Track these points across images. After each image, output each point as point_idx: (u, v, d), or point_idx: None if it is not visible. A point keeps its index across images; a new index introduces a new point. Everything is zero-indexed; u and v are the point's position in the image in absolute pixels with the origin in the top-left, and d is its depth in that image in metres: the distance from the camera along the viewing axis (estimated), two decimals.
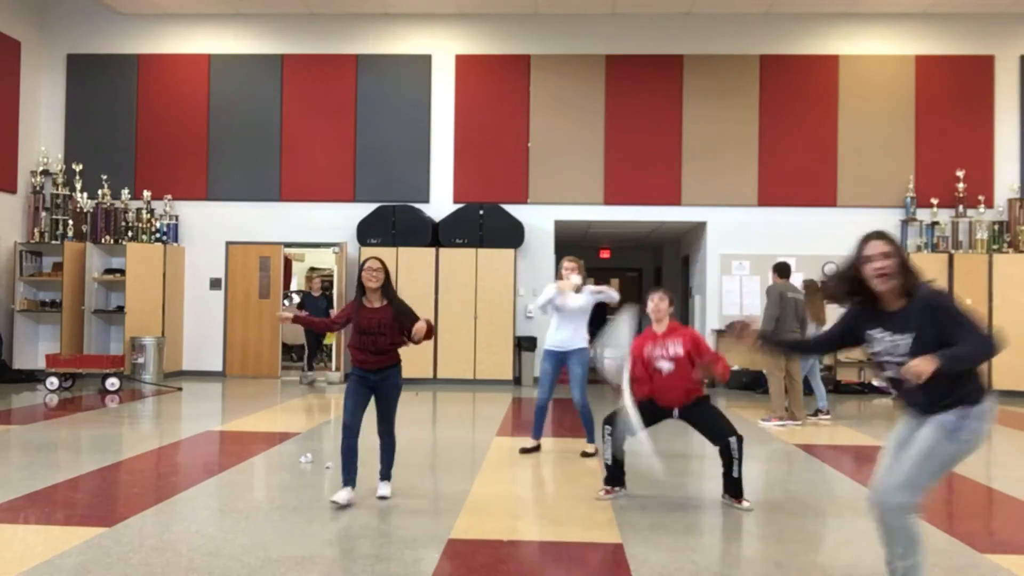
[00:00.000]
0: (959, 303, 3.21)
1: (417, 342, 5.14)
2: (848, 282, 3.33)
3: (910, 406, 3.38)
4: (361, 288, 5.22)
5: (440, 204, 13.09)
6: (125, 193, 13.16)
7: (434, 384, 12.27)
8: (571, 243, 16.34)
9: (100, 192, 13.15)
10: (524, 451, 6.93)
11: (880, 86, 12.88)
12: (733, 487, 5.22)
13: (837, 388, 12.25)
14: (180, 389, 11.38)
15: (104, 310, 12.99)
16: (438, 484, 5.96)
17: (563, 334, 6.78)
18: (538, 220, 12.98)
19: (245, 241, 13.26)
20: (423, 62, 13.23)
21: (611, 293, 6.96)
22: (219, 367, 13.20)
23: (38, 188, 13.10)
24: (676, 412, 5.37)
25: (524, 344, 12.69)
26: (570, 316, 6.79)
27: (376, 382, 5.20)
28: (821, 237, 12.79)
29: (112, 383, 10.81)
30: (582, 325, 6.86)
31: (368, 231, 12.65)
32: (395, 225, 12.59)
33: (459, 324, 12.39)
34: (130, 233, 13.04)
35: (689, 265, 14.93)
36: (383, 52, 13.26)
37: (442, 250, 12.54)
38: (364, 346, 5.16)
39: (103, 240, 13.01)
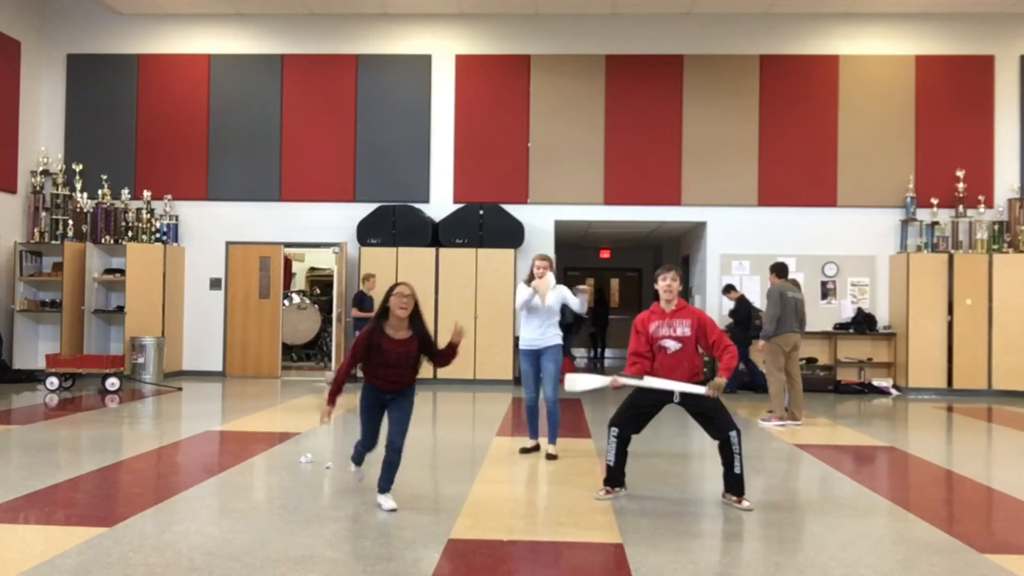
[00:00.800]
0: None
1: (442, 367, 5.18)
2: None
3: None
4: (383, 312, 4.92)
5: (440, 204, 13.09)
6: (125, 193, 13.16)
7: (434, 384, 12.26)
8: (571, 243, 16.37)
9: (100, 192, 13.15)
10: (524, 451, 6.93)
11: (880, 86, 12.88)
12: (735, 484, 5.21)
13: (837, 388, 12.26)
14: (180, 389, 11.38)
15: (104, 310, 12.99)
16: (438, 484, 5.96)
17: (536, 332, 6.75)
18: (538, 220, 12.98)
19: (245, 241, 13.26)
20: (423, 62, 13.23)
21: (582, 301, 6.94)
22: (219, 367, 13.20)
23: (38, 188, 13.10)
24: (677, 396, 5.27)
25: None
26: (541, 314, 6.74)
27: (391, 399, 5.11)
28: (821, 237, 12.80)
29: (112, 383, 10.81)
30: (554, 322, 6.83)
31: (368, 231, 12.65)
32: (395, 225, 12.59)
33: (459, 324, 12.36)
34: (130, 233, 13.03)
35: (689, 265, 14.92)
36: (383, 52, 13.26)
37: (442, 250, 12.54)
38: (387, 378, 4.99)
39: (103, 240, 13.01)
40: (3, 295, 12.64)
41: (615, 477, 5.44)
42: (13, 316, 12.61)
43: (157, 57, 13.43)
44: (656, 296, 5.53)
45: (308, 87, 13.28)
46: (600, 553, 4.27)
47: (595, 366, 17.07)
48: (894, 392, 12.11)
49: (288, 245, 13.73)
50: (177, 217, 13.24)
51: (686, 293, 15.16)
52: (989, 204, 12.63)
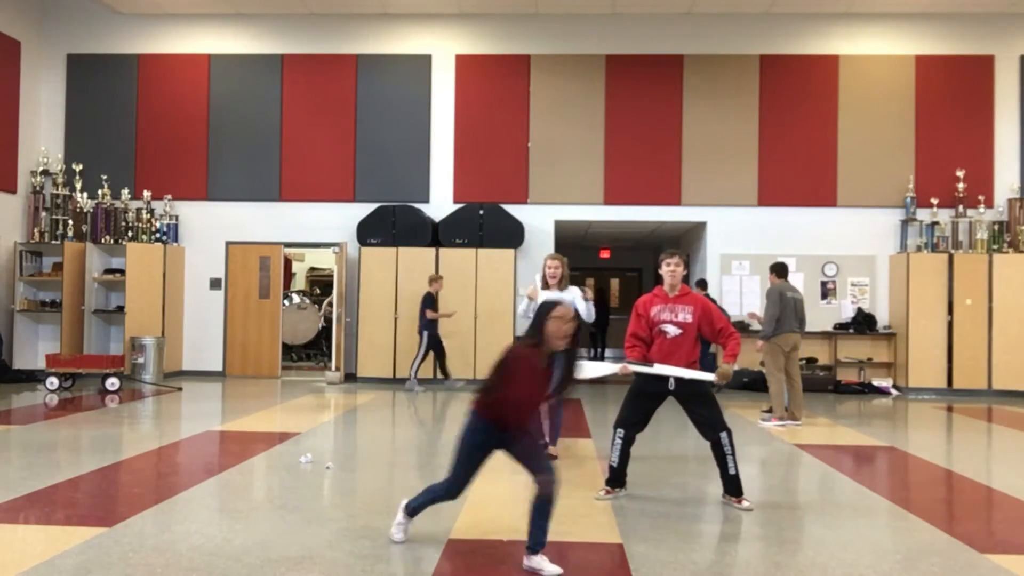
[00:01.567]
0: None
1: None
2: None
3: None
4: (537, 332, 3.99)
5: (440, 204, 13.09)
6: (125, 193, 13.16)
7: (434, 384, 12.26)
8: (571, 243, 16.36)
9: (100, 192, 13.15)
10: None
11: (880, 86, 12.87)
12: (732, 485, 5.21)
13: (837, 388, 12.26)
14: (180, 389, 11.38)
15: (104, 310, 12.99)
16: None
17: None
18: (538, 220, 12.98)
19: (245, 241, 13.26)
20: (423, 62, 13.23)
21: (589, 308, 6.59)
22: (219, 367, 13.20)
23: (38, 188, 13.10)
24: (672, 383, 5.22)
25: None
26: None
27: (511, 439, 4.05)
28: (821, 237, 12.80)
29: (112, 383, 10.80)
30: None
31: (368, 231, 12.65)
32: (395, 225, 12.59)
33: (459, 324, 12.39)
34: (130, 233, 13.03)
35: (689, 265, 14.93)
36: (383, 52, 13.26)
37: (442, 250, 12.53)
38: (524, 412, 4.10)
39: (103, 240, 13.01)
40: (3, 295, 12.64)
41: (617, 478, 5.44)
42: (13, 316, 12.61)
43: (157, 57, 13.43)
44: (659, 282, 5.52)
45: (308, 87, 13.28)
46: (600, 553, 4.27)
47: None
48: (894, 392, 12.11)
49: (288, 245, 13.73)
50: (177, 217, 13.24)
51: None
52: (989, 204, 12.63)
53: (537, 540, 3.90)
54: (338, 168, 13.20)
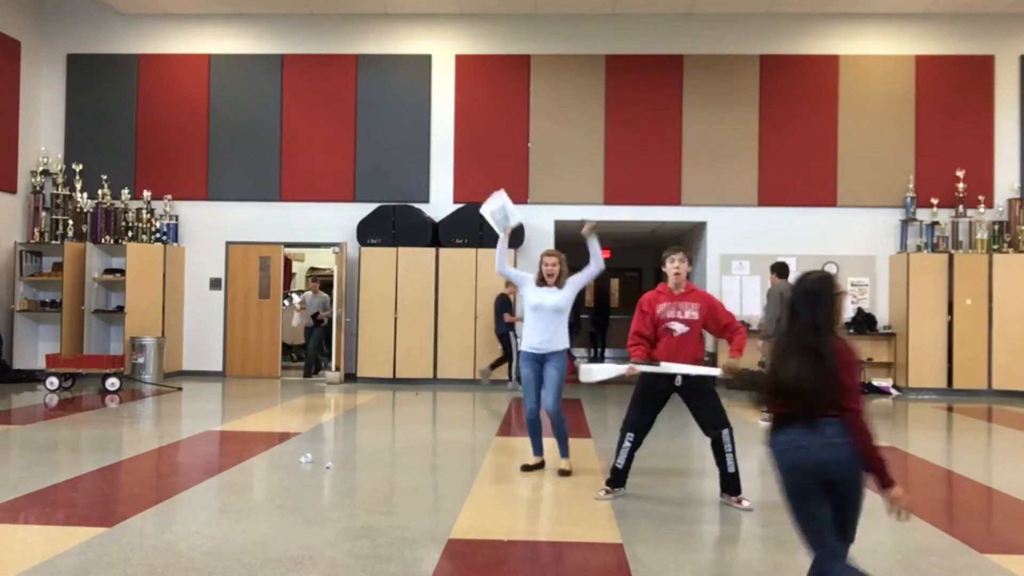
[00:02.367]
0: None
1: None
2: None
3: None
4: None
5: (440, 204, 13.09)
6: (125, 193, 13.16)
7: (434, 384, 12.27)
8: (571, 243, 16.34)
9: (100, 192, 13.15)
10: (526, 468, 6.19)
11: (880, 86, 12.87)
12: (730, 483, 5.21)
13: None
14: (180, 389, 11.38)
15: (104, 310, 12.99)
16: (438, 484, 5.95)
17: (543, 335, 5.98)
18: (538, 220, 12.97)
19: (245, 241, 13.26)
20: (423, 62, 13.22)
21: (594, 249, 6.10)
22: (219, 367, 13.20)
23: (38, 188, 13.10)
24: (679, 379, 5.20)
25: None
26: (549, 315, 6.00)
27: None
28: (821, 237, 12.79)
29: (112, 383, 10.80)
30: (563, 323, 6.07)
31: (368, 231, 12.65)
32: (395, 225, 12.59)
33: (459, 324, 12.39)
34: (130, 233, 13.03)
35: (692, 263, 14.91)
36: (383, 52, 13.26)
37: (442, 250, 12.53)
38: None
39: (103, 240, 13.01)
40: (3, 295, 12.64)
41: (619, 478, 5.44)
42: (13, 316, 12.61)
43: (157, 57, 13.43)
44: (662, 279, 5.51)
45: (308, 87, 13.28)
46: (600, 553, 4.27)
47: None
48: (894, 392, 12.11)
49: (288, 245, 13.73)
50: (177, 217, 13.24)
51: None
52: (989, 204, 12.63)
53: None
54: (338, 168, 13.20)
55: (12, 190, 12.85)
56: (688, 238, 14.89)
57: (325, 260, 16.74)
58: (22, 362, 12.58)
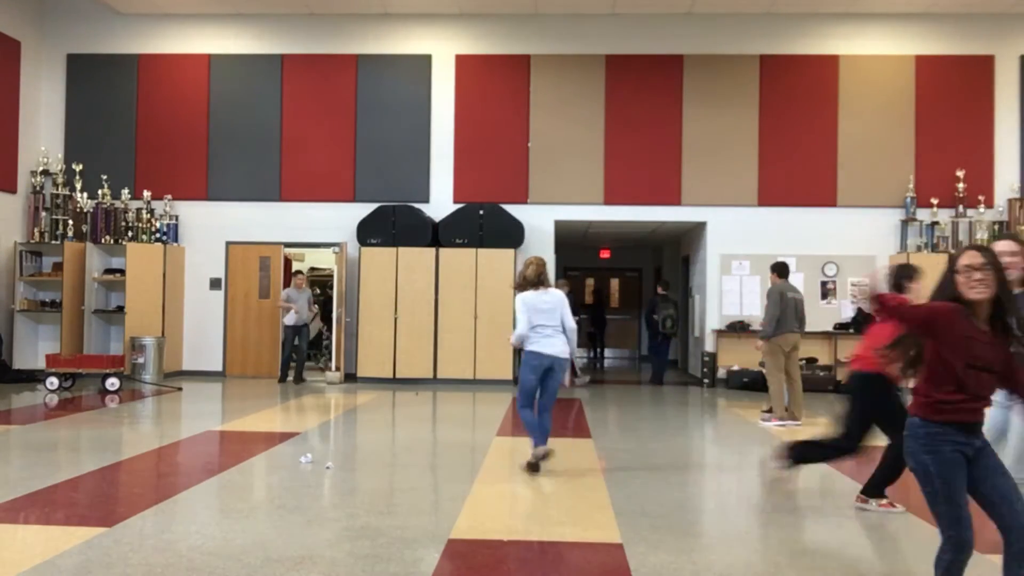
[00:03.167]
0: None
1: None
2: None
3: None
4: (949, 289, 3.09)
5: (440, 204, 13.09)
6: (125, 193, 13.16)
7: (434, 384, 12.27)
8: (571, 243, 16.36)
9: (100, 192, 13.15)
10: (533, 466, 6.14)
11: (880, 86, 12.87)
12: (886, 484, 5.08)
13: (837, 388, 12.25)
14: (180, 389, 11.38)
15: (104, 310, 12.99)
16: (438, 484, 5.95)
17: (552, 340, 6.17)
18: (538, 220, 12.97)
19: (245, 241, 13.26)
20: (423, 62, 13.23)
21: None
22: (219, 367, 13.20)
23: (38, 188, 13.10)
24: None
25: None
26: (551, 322, 6.22)
27: (976, 451, 3.13)
28: (821, 237, 12.79)
29: (112, 383, 10.80)
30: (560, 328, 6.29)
31: (368, 231, 12.65)
32: (395, 225, 12.59)
33: (459, 324, 12.39)
34: (130, 233, 13.03)
35: (689, 265, 14.92)
36: (383, 52, 13.26)
37: (442, 250, 12.53)
38: (969, 388, 3.05)
39: (103, 240, 13.01)
40: (3, 295, 12.64)
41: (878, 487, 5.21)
42: (13, 316, 12.61)
43: (157, 57, 13.43)
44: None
45: (308, 87, 13.28)
46: (600, 553, 4.27)
47: (594, 367, 17.06)
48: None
49: (288, 245, 13.73)
50: (177, 217, 13.24)
51: (686, 292, 15.16)
52: (989, 204, 12.63)
53: None
54: (338, 168, 13.20)
55: (12, 190, 12.85)
56: (688, 238, 14.90)
57: (325, 260, 16.72)
58: (22, 362, 12.58)
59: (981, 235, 12.40)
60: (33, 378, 12.10)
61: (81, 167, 13.28)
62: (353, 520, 4.76)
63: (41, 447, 6.95)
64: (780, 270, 9.26)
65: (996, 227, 12.47)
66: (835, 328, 12.66)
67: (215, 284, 13.29)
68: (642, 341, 18.02)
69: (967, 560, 3.14)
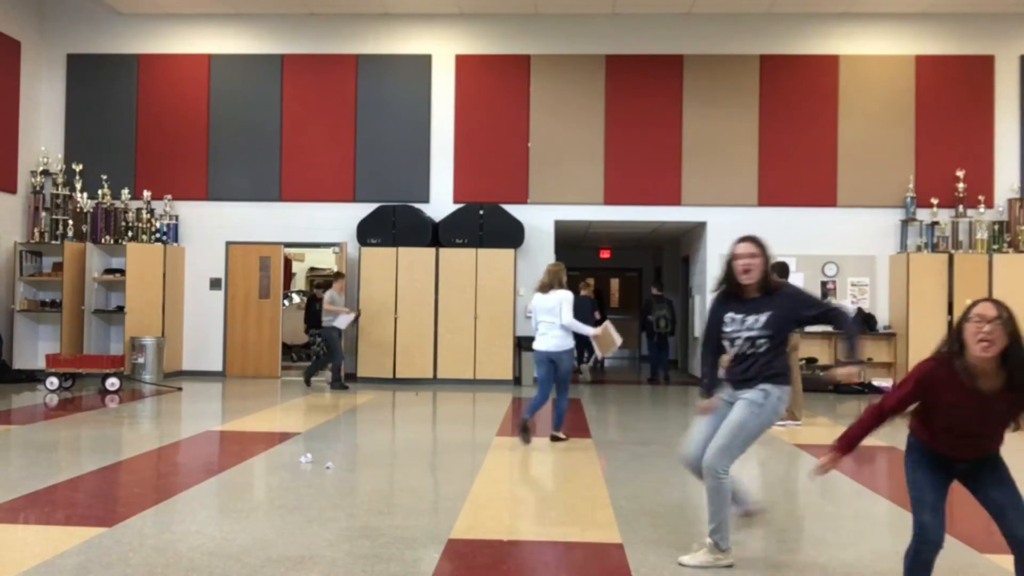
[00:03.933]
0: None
1: None
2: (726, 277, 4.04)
3: (731, 379, 4.02)
4: (958, 337, 3.03)
5: (440, 204, 13.09)
6: (125, 193, 13.16)
7: (434, 384, 12.26)
8: (571, 243, 16.36)
9: (100, 192, 13.15)
10: (555, 438, 7.40)
11: (880, 86, 12.87)
12: None
13: (837, 388, 12.25)
14: (180, 389, 11.38)
15: (104, 310, 12.99)
16: (438, 484, 5.95)
17: (554, 338, 7.25)
18: (538, 220, 12.97)
19: (245, 241, 13.26)
20: (423, 62, 13.22)
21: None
22: (219, 367, 13.20)
23: (38, 188, 13.10)
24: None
25: (524, 344, 12.67)
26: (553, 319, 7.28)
27: (966, 470, 3.31)
28: (821, 237, 12.79)
29: (112, 383, 10.80)
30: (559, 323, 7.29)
31: (368, 231, 12.65)
32: (395, 225, 12.59)
33: (459, 324, 12.39)
34: (130, 233, 13.03)
35: (689, 265, 14.92)
36: (383, 52, 13.26)
37: (442, 250, 12.53)
38: (947, 441, 3.31)
39: (103, 240, 13.01)
40: (3, 295, 12.63)
41: None
42: (13, 316, 12.60)
43: (157, 57, 13.43)
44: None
45: (308, 87, 13.28)
46: (600, 553, 4.27)
47: (594, 367, 17.05)
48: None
49: (288, 245, 13.73)
50: (177, 217, 13.24)
51: (686, 293, 15.17)
52: (989, 204, 12.63)
53: None
54: (338, 168, 13.20)
55: (12, 190, 12.85)
56: (688, 238, 14.90)
57: (325, 260, 16.74)
58: (22, 362, 12.58)
59: (981, 235, 12.40)
60: (33, 378, 12.10)
61: (81, 167, 13.28)
62: (353, 520, 4.76)
63: (41, 447, 6.95)
64: (780, 270, 9.24)
65: (996, 227, 12.47)
66: (835, 328, 12.62)
67: (215, 284, 13.29)
68: (642, 341, 18.02)
69: (929, 555, 3.35)
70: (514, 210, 12.79)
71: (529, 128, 13.08)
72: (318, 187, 13.19)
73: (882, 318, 12.68)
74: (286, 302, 14.84)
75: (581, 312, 11.92)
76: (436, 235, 12.66)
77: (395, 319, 12.42)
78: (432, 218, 12.83)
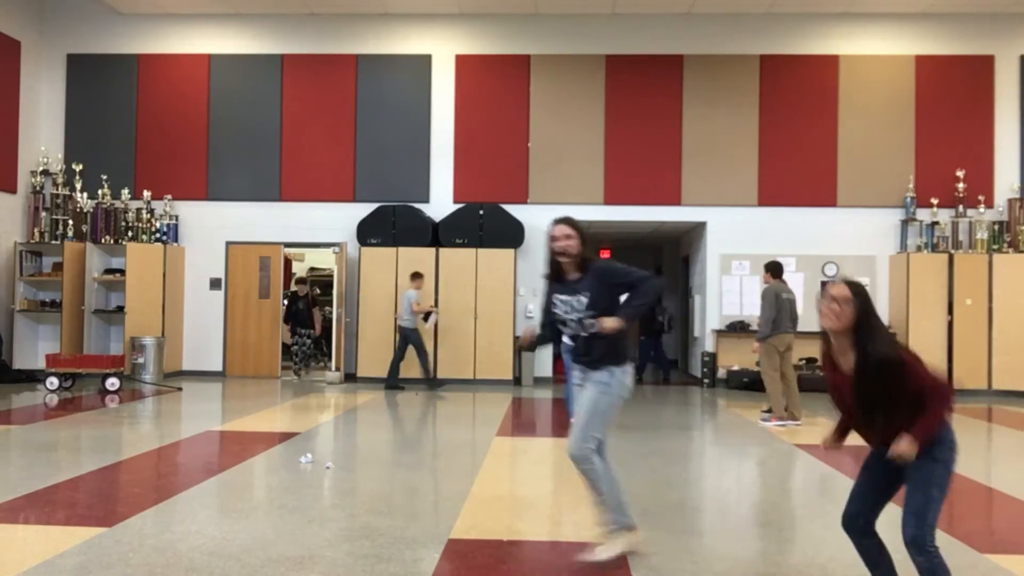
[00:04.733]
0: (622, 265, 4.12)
1: None
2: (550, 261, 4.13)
3: (577, 362, 4.18)
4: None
5: (440, 204, 13.09)
6: (125, 193, 13.16)
7: (434, 384, 12.25)
8: None
9: (100, 192, 13.15)
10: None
11: (880, 86, 12.87)
12: None
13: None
14: (180, 389, 11.38)
15: (104, 310, 12.99)
16: (438, 484, 5.95)
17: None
18: (538, 220, 12.95)
19: (245, 241, 13.26)
20: (423, 62, 13.22)
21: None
22: (219, 367, 13.20)
23: (38, 188, 13.10)
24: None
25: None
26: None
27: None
28: (821, 237, 12.79)
29: (112, 383, 10.80)
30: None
31: (368, 231, 12.65)
32: (395, 225, 12.59)
33: (459, 324, 12.39)
34: (130, 233, 13.03)
35: (689, 265, 14.92)
36: (383, 52, 13.26)
37: (442, 250, 12.53)
38: (848, 421, 3.48)
39: (103, 240, 13.01)
40: (3, 295, 12.64)
41: None
42: (13, 316, 12.60)
43: (157, 57, 13.43)
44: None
45: (308, 87, 13.28)
46: None
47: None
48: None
49: (288, 245, 13.73)
50: (177, 217, 13.24)
51: (686, 293, 15.17)
52: (989, 204, 12.63)
53: None
54: (338, 168, 13.20)
55: (12, 190, 12.85)
56: (688, 238, 14.90)
57: (325, 260, 16.73)
58: (22, 362, 12.58)
59: (981, 235, 12.40)
60: (33, 378, 12.11)
61: (81, 167, 13.28)
62: (353, 520, 4.76)
63: (41, 447, 6.95)
64: (774, 270, 9.20)
65: (996, 227, 12.47)
66: None
67: (215, 284, 13.29)
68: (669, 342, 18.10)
69: (850, 535, 3.59)
70: (514, 210, 12.79)
71: (529, 128, 13.09)
72: (318, 187, 13.20)
73: (882, 318, 12.65)
74: (286, 302, 14.83)
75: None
76: (436, 235, 12.66)
77: (395, 319, 12.41)
78: (432, 218, 12.83)
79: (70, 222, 12.99)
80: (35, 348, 12.83)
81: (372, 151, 13.18)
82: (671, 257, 17.23)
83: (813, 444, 7.69)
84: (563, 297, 4.11)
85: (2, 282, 12.64)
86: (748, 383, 12.12)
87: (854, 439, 3.60)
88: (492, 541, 4.41)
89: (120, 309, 12.82)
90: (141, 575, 3.76)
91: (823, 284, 3.51)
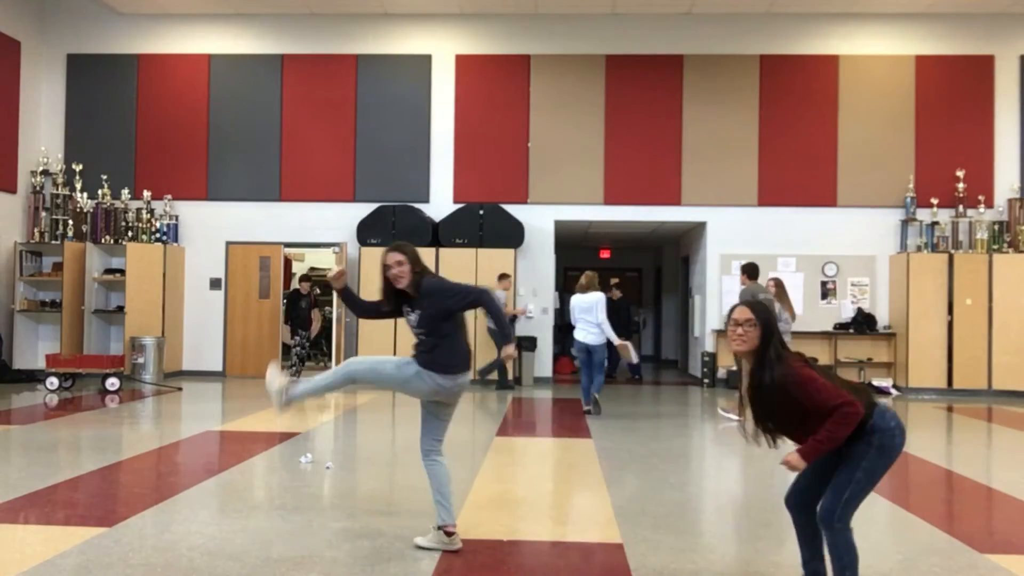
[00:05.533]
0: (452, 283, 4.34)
1: None
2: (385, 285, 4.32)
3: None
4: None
5: (440, 204, 13.09)
6: (125, 193, 13.16)
7: None
8: (571, 243, 16.36)
9: (100, 192, 13.15)
10: (587, 412, 9.13)
11: (880, 86, 12.87)
12: None
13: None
14: (180, 389, 11.38)
15: (104, 310, 12.99)
16: None
17: (588, 333, 9.00)
18: (538, 220, 12.98)
19: (245, 241, 13.26)
20: (423, 62, 13.22)
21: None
22: (219, 367, 13.20)
23: (38, 188, 13.10)
24: None
25: (524, 344, 12.68)
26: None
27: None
28: (821, 237, 12.79)
29: (112, 383, 10.80)
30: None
31: (368, 231, 12.65)
32: (395, 225, 12.59)
33: None
34: (130, 233, 13.03)
35: (689, 265, 14.92)
36: (383, 52, 13.26)
37: (442, 250, 12.53)
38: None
39: (103, 240, 13.01)
40: (3, 295, 12.63)
41: None
42: (13, 316, 12.60)
43: (157, 57, 13.43)
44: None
45: (308, 87, 13.28)
46: (600, 553, 4.27)
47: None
48: (894, 392, 12.11)
49: (288, 245, 13.73)
50: (177, 217, 13.24)
51: (686, 293, 15.17)
52: (989, 204, 12.63)
53: None
54: (338, 168, 13.20)
55: (12, 190, 12.85)
56: (688, 238, 14.91)
57: (325, 260, 16.73)
58: (22, 362, 12.58)
59: (981, 235, 12.40)
60: (33, 378, 12.10)
61: (81, 167, 13.28)
62: (353, 520, 4.76)
63: (41, 447, 6.95)
64: (751, 272, 9.14)
65: (996, 227, 12.47)
66: (835, 328, 12.65)
67: (215, 284, 13.29)
68: (642, 341, 18.03)
69: (789, 510, 3.58)
70: (514, 210, 12.79)
71: (529, 128, 13.08)
72: (318, 187, 13.20)
73: (882, 318, 12.68)
74: (285, 302, 14.82)
75: (611, 316, 12.05)
76: (436, 235, 12.65)
77: (395, 319, 12.39)
78: (432, 218, 12.83)
79: (70, 222, 12.99)
80: (35, 348, 12.83)
81: (372, 151, 13.18)
82: (671, 257, 17.23)
83: None
84: (407, 309, 4.38)
85: (2, 282, 12.64)
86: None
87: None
88: (492, 541, 4.41)
89: (120, 309, 12.82)
90: (141, 575, 3.76)
91: (730, 311, 3.42)
